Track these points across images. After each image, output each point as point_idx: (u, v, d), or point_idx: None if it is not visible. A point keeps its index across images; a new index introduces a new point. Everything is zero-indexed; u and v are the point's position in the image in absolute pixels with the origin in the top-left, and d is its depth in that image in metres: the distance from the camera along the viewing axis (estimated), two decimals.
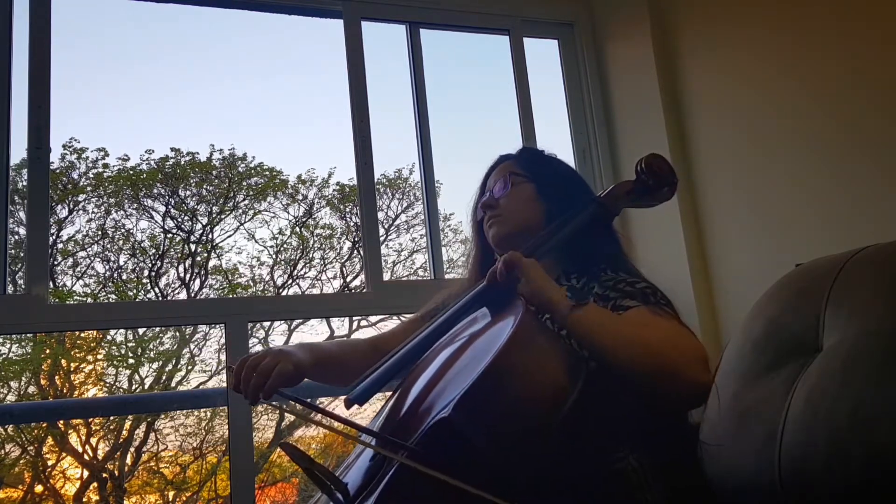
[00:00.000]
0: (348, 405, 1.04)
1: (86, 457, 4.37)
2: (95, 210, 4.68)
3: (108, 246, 4.68)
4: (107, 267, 4.68)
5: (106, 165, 4.69)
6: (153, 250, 4.75)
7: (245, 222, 4.94)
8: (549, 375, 0.94)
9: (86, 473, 4.36)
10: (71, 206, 4.61)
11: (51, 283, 4.41)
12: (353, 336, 5.05)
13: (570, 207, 1.22)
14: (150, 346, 4.81)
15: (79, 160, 4.64)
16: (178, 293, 4.80)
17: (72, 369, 4.66)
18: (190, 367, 4.84)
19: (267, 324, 4.75)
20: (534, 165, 1.35)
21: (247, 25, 5.72)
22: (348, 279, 5.10)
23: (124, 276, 4.73)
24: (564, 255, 1.24)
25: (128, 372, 4.73)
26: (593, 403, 0.95)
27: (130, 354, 4.75)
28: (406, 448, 0.85)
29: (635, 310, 1.08)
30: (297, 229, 5.06)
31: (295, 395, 1.06)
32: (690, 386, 0.98)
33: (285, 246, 5.05)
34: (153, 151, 4.75)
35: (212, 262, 4.91)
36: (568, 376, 0.93)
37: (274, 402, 1.10)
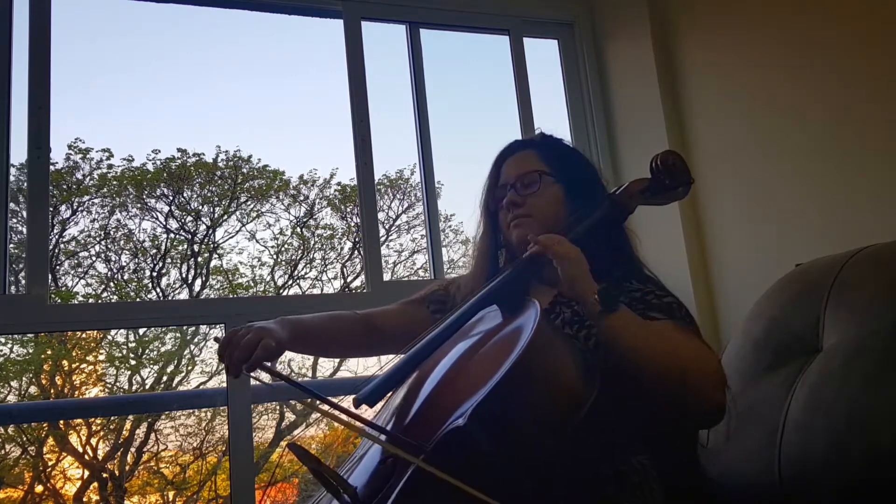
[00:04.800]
0: (357, 405, 1.03)
1: (86, 457, 4.37)
2: (99, 210, 4.68)
3: (110, 246, 4.68)
4: (108, 267, 4.69)
5: (110, 166, 4.69)
6: (154, 251, 4.74)
7: (247, 223, 4.94)
8: (565, 382, 0.93)
9: (86, 473, 4.36)
10: (75, 207, 4.61)
11: (53, 284, 4.41)
12: None
13: (590, 208, 1.19)
14: (151, 347, 4.80)
15: (83, 160, 4.64)
16: (179, 293, 4.80)
17: (72, 369, 4.66)
18: (190, 368, 4.83)
19: None
20: (562, 164, 1.27)
21: (247, 25, 5.71)
22: (349, 279, 5.10)
23: (125, 277, 4.73)
24: None
25: (128, 372, 4.73)
26: (604, 408, 0.95)
27: (132, 355, 4.75)
28: (421, 450, 0.83)
29: (662, 322, 1.07)
30: (299, 230, 5.06)
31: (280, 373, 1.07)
32: (709, 406, 0.99)
33: (286, 246, 5.04)
34: (159, 151, 4.76)
35: (213, 263, 4.91)
36: (583, 382, 0.93)
37: (259, 378, 1.11)
